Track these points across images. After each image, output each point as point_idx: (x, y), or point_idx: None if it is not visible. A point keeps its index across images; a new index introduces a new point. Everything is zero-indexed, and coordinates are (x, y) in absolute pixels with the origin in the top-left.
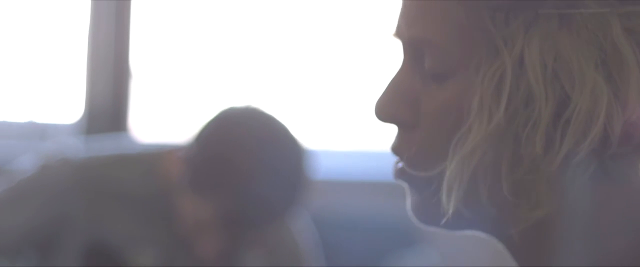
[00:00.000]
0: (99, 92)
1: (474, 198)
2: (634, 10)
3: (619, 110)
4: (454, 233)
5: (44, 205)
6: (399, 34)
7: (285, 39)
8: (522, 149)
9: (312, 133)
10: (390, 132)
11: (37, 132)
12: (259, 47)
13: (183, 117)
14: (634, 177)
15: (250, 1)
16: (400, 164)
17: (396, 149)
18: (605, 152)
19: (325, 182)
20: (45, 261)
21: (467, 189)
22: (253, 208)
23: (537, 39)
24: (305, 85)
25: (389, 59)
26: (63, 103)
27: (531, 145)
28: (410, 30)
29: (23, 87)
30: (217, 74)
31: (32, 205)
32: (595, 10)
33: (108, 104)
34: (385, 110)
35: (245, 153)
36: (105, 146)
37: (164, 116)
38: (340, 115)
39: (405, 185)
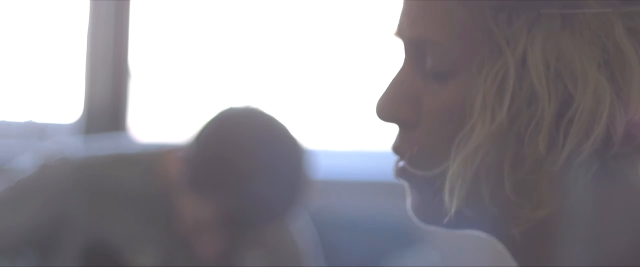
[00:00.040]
0: (98, 91)
1: (476, 198)
2: (636, 11)
3: (622, 110)
4: (454, 233)
5: (43, 204)
6: (400, 33)
7: (285, 39)
8: (525, 149)
9: (311, 133)
10: (390, 131)
11: (36, 131)
12: (259, 47)
13: (182, 117)
14: (634, 177)
15: (250, 1)
16: (401, 163)
17: (397, 148)
18: (607, 152)
19: (325, 182)
20: (44, 261)
21: (469, 188)
22: (253, 208)
23: (540, 38)
24: (305, 85)
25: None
26: (62, 103)
27: (534, 145)
28: (412, 30)
29: (22, 87)
30: (216, 74)
31: (32, 204)
32: (597, 11)
33: (107, 103)
34: (387, 109)
35: (245, 153)
36: (104, 145)
37: (163, 116)
38: (340, 115)
39: (405, 184)
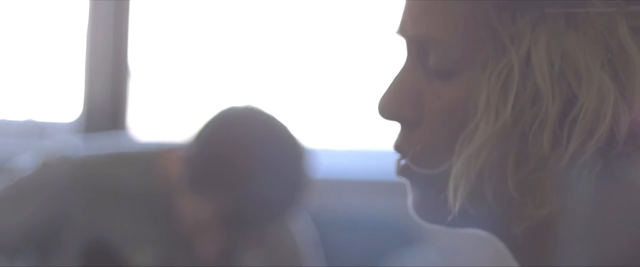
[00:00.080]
0: (97, 90)
1: (479, 196)
2: None
3: (625, 109)
4: (454, 232)
5: (43, 203)
6: (402, 31)
7: (285, 38)
8: (529, 148)
9: (311, 132)
10: (390, 130)
11: (36, 130)
12: (259, 46)
13: (181, 116)
14: (636, 177)
15: (250, 0)
16: (403, 162)
17: (399, 146)
18: (611, 151)
19: (325, 181)
20: (44, 260)
21: (473, 187)
22: (253, 208)
23: (544, 37)
24: (305, 85)
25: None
26: (62, 102)
27: (538, 143)
28: (415, 28)
29: (22, 86)
30: (216, 73)
31: (32, 203)
32: (601, 10)
33: (107, 102)
34: (389, 107)
35: (245, 153)
36: (104, 144)
37: (163, 115)
38: (340, 114)
39: (407, 182)
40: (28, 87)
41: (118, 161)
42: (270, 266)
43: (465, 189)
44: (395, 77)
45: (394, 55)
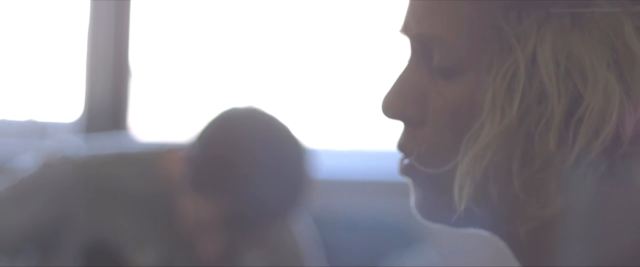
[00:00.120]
0: (98, 90)
1: (484, 196)
2: None
3: (631, 109)
4: (455, 232)
5: (45, 203)
6: (406, 30)
7: (286, 39)
8: (535, 147)
9: (312, 133)
10: (391, 131)
11: (37, 130)
12: (260, 46)
13: (182, 117)
14: (639, 177)
15: (252, 1)
16: (406, 161)
17: (403, 145)
18: (616, 151)
19: (326, 182)
20: (45, 260)
21: (478, 186)
22: (254, 209)
23: (550, 37)
24: (306, 85)
25: (389, 57)
26: (63, 102)
27: (544, 143)
28: (420, 27)
29: (23, 86)
30: (217, 73)
31: (33, 203)
32: (606, 10)
33: (108, 102)
34: (393, 106)
35: (247, 154)
36: (105, 144)
37: (163, 115)
38: (341, 114)
39: (410, 182)
40: (29, 87)
41: (119, 161)
42: (271, 266)
43: (471, 189)
44: (399, 76)
45: (394, 56)
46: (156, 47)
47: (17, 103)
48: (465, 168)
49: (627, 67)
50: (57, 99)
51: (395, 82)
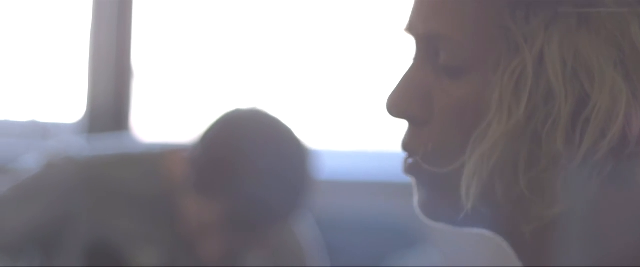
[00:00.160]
0: (101, 91)
1: (490, 195)
2: None
3: (638, 109)
4: (458, 232)
5: (47, 204)
6: (412, 29)
7: (289, 39)
8: (542, 147)
9: (315, 134)
10: (394, 132)
11: (40, 131)
12: (263, 47)
13: (185, 117)
14: None
15: (254, 1)
16: (410, 160)
17: (407, 145)
18: (622, 151)
19: (328, 183)
20: (48, 260)
21: (485, 186)
22: (257, 210)
23: (557, 37)
24: (309, 86)
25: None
26: (65, 102)
27: (551, 142)
28: (425, 26)
29: (25, 86)
30: (219, 74)
31: (36, 204)
32: (614, 10)
33: (110, 103)
34: (397, 105)
35: (250, 155)
36: (108, 145)
37: (166, 116)
38: (344, 115)
39: (413, 181)
40: (31, 88)
41: (122, 162)
42: None
43: (478, 188)
44: (404, 75)
45: (398, 56)
46: (159, 48)
47: (19, 103)
48: (473, 167)
49: (634, 67)
50: (60, 99)
51: (400, 81)
